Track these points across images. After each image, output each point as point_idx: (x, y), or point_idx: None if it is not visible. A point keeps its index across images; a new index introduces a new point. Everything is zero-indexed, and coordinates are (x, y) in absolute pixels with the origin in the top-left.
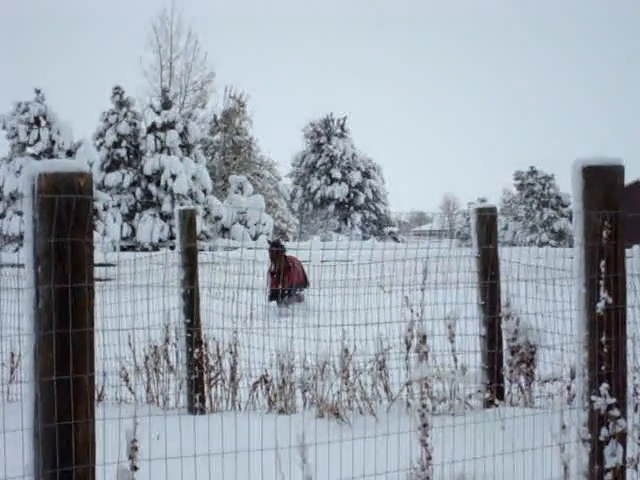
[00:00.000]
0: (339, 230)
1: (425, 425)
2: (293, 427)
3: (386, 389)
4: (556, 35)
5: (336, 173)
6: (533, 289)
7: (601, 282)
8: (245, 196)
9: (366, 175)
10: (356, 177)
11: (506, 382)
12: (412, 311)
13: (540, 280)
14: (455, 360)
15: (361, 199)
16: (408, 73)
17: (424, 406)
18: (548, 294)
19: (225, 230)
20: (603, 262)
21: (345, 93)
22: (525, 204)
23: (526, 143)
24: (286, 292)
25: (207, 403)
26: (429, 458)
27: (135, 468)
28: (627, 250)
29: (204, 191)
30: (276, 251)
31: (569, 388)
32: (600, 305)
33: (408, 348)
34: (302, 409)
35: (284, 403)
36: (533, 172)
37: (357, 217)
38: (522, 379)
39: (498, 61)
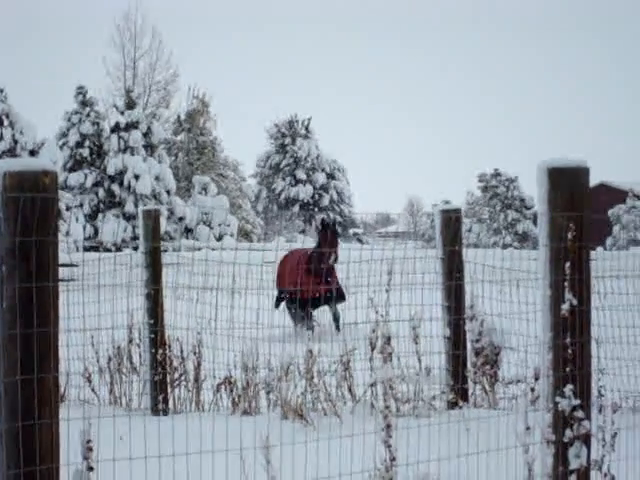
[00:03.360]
0: (304, 231)
1: (388, 426)
2: (257, 428)
3: (350, 390)
4: (519, 35)
5: (301, 174)
6: (497, 291)
7: (566, 284)
8: (209, 196)
9: (331, 176)
10: (321, 178)
11: (470, 383)
12: (377, 312)
13: (504, 282)
14: (419, 361)
15: (326, 200)
16: (373, 75)
17: (387, 407)
18: (512, 296)
19: (189, 231)
20: (568, 264)
21: (310, 95)
22: (489, 206)
23: (490, 145)
24: (318, 302)
25: (170, 404)
26: (393, 459)
27: (90, 469)
28: (591, 252)
29: (168, 191)
30: (331, 234)
31: (533, 390)
32: (565, 306)
33: (372, 349)
34: (266, 410)
35: (248, 404)
36: (497, 174)
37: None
38: (486, 380)
39: (462, 63)
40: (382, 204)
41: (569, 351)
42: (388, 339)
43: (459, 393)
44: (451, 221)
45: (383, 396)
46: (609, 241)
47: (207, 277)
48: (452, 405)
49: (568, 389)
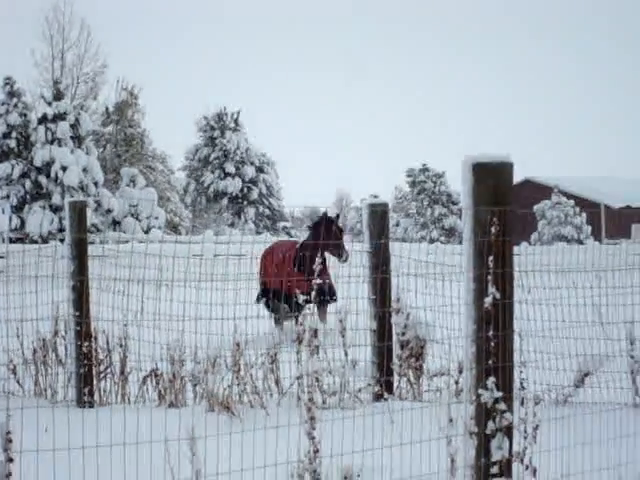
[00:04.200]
0: (232, 225)
1: (312, 419)
2: (182, 421)
3: (277, 383)
4: (448, 31)
5: (230, 167)
6: (423, 284)
7: (489, 277)
8: (137, 189)
9: (260, 170)
10: (250, 172)
11: (395, 376)
12: (299, 303)
13: (430, 275)
14: (346, 354)
15: (255, 194)
16: (303, 69)
17: (311, 400)
18: (438, 289)
19: (116, 223)
20: (491, 258)
21: (240, 88)
22: (417, 201)
23: (419, 141)
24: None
25: (96, 396)
26: (316, 451)
27: (10, 460)
28: (515, 247)
29: (95, 183)
30: (337, 229)
31: (457, 382)
32: (488, 300)
33: (300, 342)
34: (192, 403)
35: (174, 397)
36: (425, 170)
37: (251, 212)
38: (411, 373)
39: (391, 57)
40: (311, 198)
41: (492, 344)
42: (315, 332)
43: (384, 385)
44: (378, 215)
45: (307, 388)
46: (534, 236)
47: (134, 270)
48: (378, 397)
49: (490, 381)
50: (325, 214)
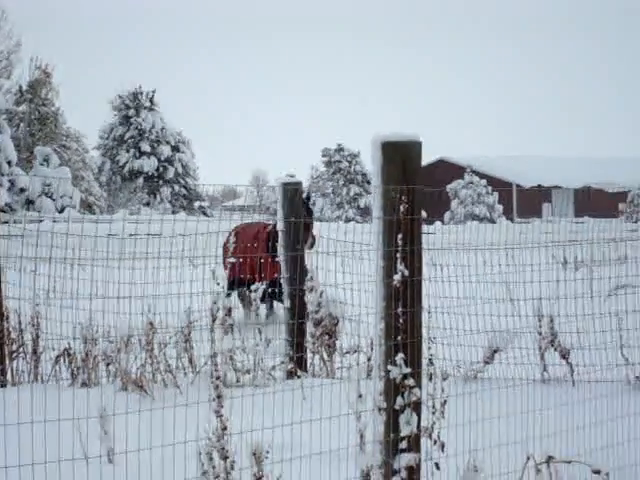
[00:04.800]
0: (148, 204)
1: (219, 397)
2: (95, 400)
3: (191, 362)
4: (354, 6)
5: (145, 146)
6: (338, 263)
7: (398, 255)
8: (51, 168)
9: (176, 149)
10: (165, 151)
11: (309, 354)
12: (218, 284)
13: (344, 254)
14: (259, 332)
15: (170, 173)
16: (218, 45)
17: (218, 378)
18: (353, 268)
19: (30, 202)
20: (400, 235)
21: (156, 68)
22: (332, 181)
23: (335, 121)
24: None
25: (8, 376)
26: (224, 428)
27: None
28: (429, 226)
29: (9, 162)
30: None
31: (369, 359)
32: (397, 277)
33: (214, 320)
34: (105, 382)
35: (87, 376)
36: (340, 150)
37: (166, 191)
38: (324, 351)
39: (303, 37)
40: (228, 177)
41: (400, 320)
42: (229, 310)
43: (298, 363)
44: (292, 194)
45: (214, 367)
46: (447, 215)
47: (47, 249)
48: (291, 375)
49: (399, 357)
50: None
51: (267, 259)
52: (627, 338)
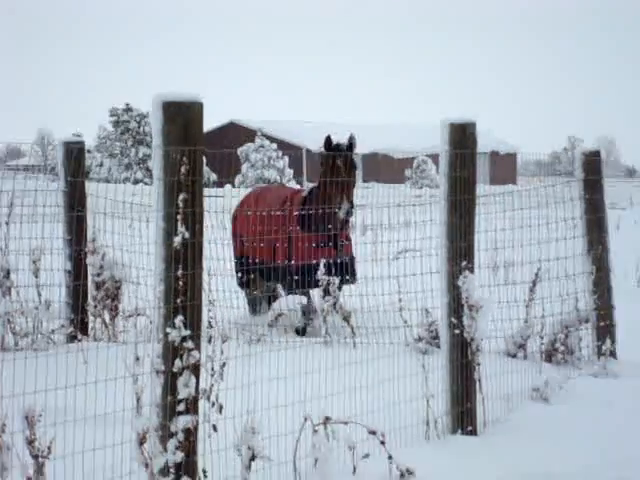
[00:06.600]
0: None
1: None
2: None
3: None
4: None
5: None
6: (121, 225)
7: (179, 217)
8: None
9: None
10: None
11: (90, 317)
12: (4, 247)
13: (128, 216)
14: (39, 295)
15: None
16: None
17: None
18: (136, 230)
19: None
20: (181, 197)
21: None
22: (120, 141)
23: (124, 80)
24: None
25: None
26: None
27: None
28: (220, 189)
29: None
30: (346, 164)
31: (151, 322)
32: (177, 239)
33: None
34: None
35: None
36: (128, 109)
37: None
38: (107, 314)
39: None
40: (12, 135)
41: (180, 283)
42: (7, 272)
43: (79, 326)
44: (74, 152)
45: None
46: (238, 178)
47: None
48: (72, 338)
49: (178, 320)
50: (328, 140)
51: (342, 233)
52: (407, 300)
